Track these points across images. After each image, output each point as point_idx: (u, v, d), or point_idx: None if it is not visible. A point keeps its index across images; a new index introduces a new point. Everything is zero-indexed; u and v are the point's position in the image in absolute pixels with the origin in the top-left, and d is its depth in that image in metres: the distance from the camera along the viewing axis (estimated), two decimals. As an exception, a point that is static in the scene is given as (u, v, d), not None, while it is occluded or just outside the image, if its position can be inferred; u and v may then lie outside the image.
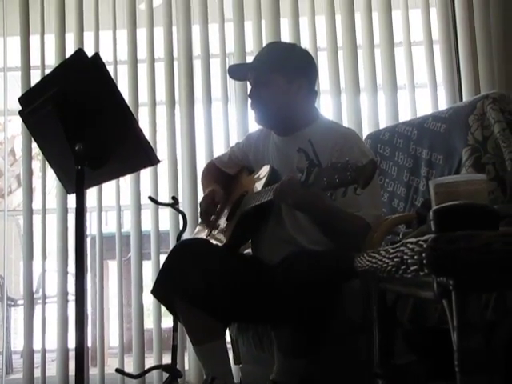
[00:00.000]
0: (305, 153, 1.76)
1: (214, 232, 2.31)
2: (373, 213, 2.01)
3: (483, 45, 3.33)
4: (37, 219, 3.42)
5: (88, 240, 3.92)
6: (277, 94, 2.17)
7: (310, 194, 1.82)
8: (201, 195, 2.57)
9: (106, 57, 3.32)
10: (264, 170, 2.23)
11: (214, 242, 2.25)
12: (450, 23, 3.46)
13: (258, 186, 2.19)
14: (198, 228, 2.51)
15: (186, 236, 2.66)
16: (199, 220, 2.49)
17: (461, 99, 3.33)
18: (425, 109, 3.48)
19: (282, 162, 2.20)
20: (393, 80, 3.41)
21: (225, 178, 2.46)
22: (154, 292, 2.16)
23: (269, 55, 2.27)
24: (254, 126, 2.45)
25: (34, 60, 3.45)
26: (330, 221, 1.97)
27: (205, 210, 2.34)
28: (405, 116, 3.34)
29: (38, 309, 3.55)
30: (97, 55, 1.71)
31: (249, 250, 2.38)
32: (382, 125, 3.26)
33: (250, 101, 2.27)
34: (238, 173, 2.46)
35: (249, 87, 2.28)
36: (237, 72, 2.36)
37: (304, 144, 1.84)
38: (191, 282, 2.01)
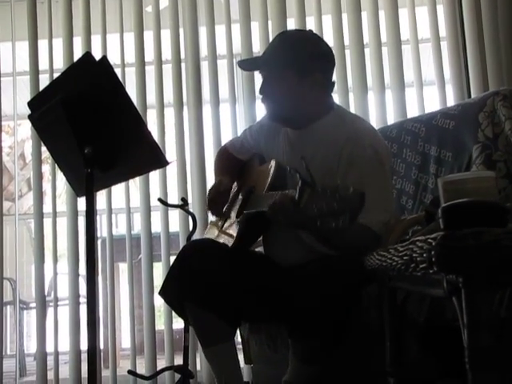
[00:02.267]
0: (297, 172, 1.64)
1: (225, 226, 2.28)
2: (381, 219, 1.89)
3: (491, 41, 3.32)
4: (47, 222, 3.43)
5: (98, 242, 3.93)
6: (290, 90, 2.06)
7: (301, 217, 1.68)
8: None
9: (113, 59, 3.34)
10: (271, 167, 2.15)
11: (224, 238, 2.22)
12: (458, 20, 3.44)
13: (264, 184, 2.13)
14: (209, 226, 2.49)
15: (196, 236, 2.66)
16: (209, 219, 2.47)
17: (469, 96, 3.31)
18: (433, 106, 3.47)
19: (294, 157, 2.08)
20: (400, 78, 3.40)
21: (237, 165, 2.40)
22: (163, 293, 2.15)
23: (281, 49, 2.12)
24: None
25: (43, 64, 3.47)
26: (330, 238, 1.88)
27: (211, 199, 2.28)
28: (413, 114, 3.31)
29: (50, 311, 3.57)
30: (104, 58, 1.71)
31: (261, 248, 2.36)
32: (391, 123, 3.25)
33: (261, 96, 2.15)
34: (249, 159, 2.39)
35: (257, 84, 2.21)
36: (247, 64, 2.28)
37: (309, 135, 1.79)
38: (200, 283, 1.99)
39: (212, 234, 2.37)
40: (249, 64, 2.29)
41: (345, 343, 1.87)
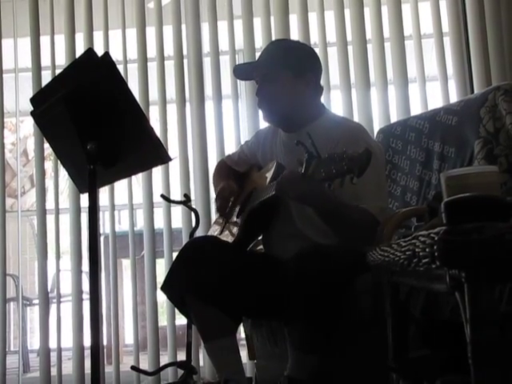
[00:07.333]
0: (303, 145, 1.76)
1: (226, 230, 2.32)
2: (377, 205, 2.00)
3: (494, 36, 3.31)
4: (50, 219, 3.43)
5: (101, 239, 3.94)
6: (284, 89, 2.16)
7: (309, 186, 1.82)
8: (212, 192, 2.57)
9: (115, 56, 3.33)
10: (270, 166, 2.22)
11: (225, 239, 2.26)
12: (460, 15, 3.44)
13: (265, 181, 2.19)
14: (212, 228, 2.51)
15: (198, 234, 2.67)
16: (212, 219, 2.50)
17: (472, 92, 3.31)
18: (436, 102, 3.46)
19: (289, 158, 2.18)
20: (403, 74, 3.40)
21: (235, 176, 2.46)
22: (164, 289, 2.17)
23: (275, 52, 2.26)
24: (264, 123, 2.45)
25: (45, 60, 3.47)
26: (334, 213, 1.96)
27: (221, 204, 2.31)
28: (416, 110, 3.32)
29: (53, 308, 3.57)
30: (107, 54, 1.72)
31: (261, 247, 2.38)
32: (393, 119, 3.25)
33: (257, 99, 2.24)
34: (248, 170, 2.46)
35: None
36: (242, 72, 2.35)
37: (303, 137, 1.84)
38: (202, 277, 2.02)
39: (214, 232, 2.39)
40: (245, 70, 2.34)
41: (340, 332, 1.89)
